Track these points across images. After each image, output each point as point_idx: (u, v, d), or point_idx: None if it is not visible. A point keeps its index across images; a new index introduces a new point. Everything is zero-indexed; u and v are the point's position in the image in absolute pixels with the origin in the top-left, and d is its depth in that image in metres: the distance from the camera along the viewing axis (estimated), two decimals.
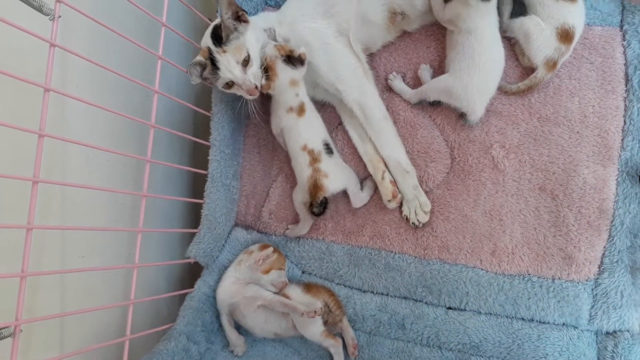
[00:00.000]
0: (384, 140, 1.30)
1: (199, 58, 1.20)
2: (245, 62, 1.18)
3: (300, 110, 1.29)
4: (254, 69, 1.20)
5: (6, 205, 0.93)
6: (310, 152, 1.29)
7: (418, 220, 1.29)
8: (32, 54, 0.93)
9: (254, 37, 1.20)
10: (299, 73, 1.26)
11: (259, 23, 1.26)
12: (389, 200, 1.30)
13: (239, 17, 1.17)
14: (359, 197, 1.34)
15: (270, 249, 1.29)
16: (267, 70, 1.23)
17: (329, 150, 1.31)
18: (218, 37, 1.17)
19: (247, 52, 1.17)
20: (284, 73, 1.24)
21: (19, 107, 0.94)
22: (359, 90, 1.28)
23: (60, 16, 0.90)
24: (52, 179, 1.03)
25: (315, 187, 1.28)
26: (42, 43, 0.89)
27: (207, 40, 1.20)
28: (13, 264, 0.89)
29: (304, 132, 1.30)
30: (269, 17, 1.31)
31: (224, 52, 1.17)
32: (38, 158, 0.89)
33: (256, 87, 1.20)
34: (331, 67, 1.27)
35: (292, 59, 1.24)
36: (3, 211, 0.93)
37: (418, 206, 1.29)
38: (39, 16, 0.90)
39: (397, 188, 1.30)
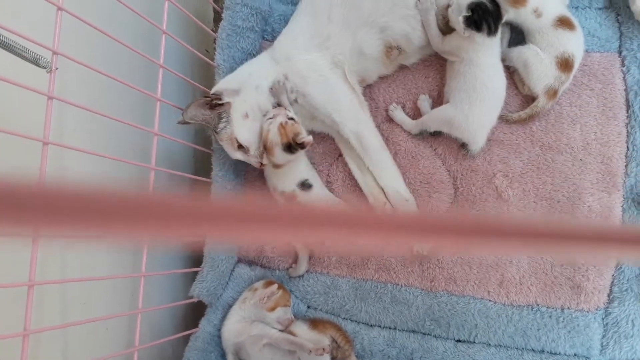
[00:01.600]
0: (381, 170, 1.29)
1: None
2: (242, 148, 1.20)
3: (278, 165, 1.27)
4: (253, 150, 1.21)
5: (6, 260, 0.91)
6: (282, 194, 1.31)
7: (422, 248, 1.28)
8: (29, 102, 0.92)
9: (241, 116, 1.20)
10: (297, 156, 1.24)
11: (250, 82, 1.25)
12: None
13: (216, 105, 1.17)
14: None
15: (275, 286, 1.27)
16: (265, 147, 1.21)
17: (305, 186, 1.30)
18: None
19: (237, 142, 1.20)
20: (282, 157, 1.21)
21: (16, 158, 0.93)
22: (355, 121, 1.28)
23: (57, 68, 0.90)
24: None
25: None
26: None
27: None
28: (14, 318, 0.87)
29: (276, 179, 1.31)
30: (261, 68, 1.28)
31: (221, 140, 1.21)
32: None
33: (261, 163, 1.22)
34: (327, 98, 1.27)
35: (292, 148, 1.18)
36: (3, 266, 0.91)
37: None
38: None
39: None
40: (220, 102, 1.16)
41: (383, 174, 1.30)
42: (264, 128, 1.20)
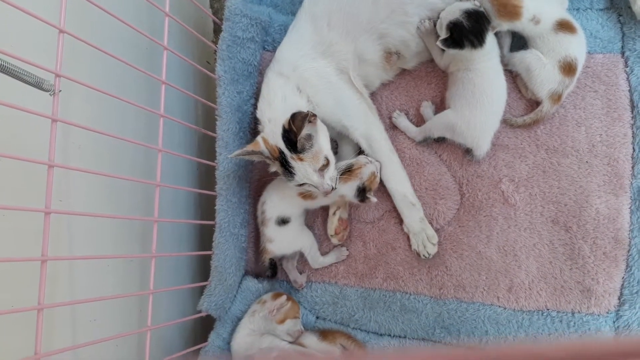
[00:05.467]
0: (390, 173, 1.29)
1: (261, 149, 1.17)
2: (323, 167, 1.15)
3: (311, 196, 1.29)
4: (331, 171, 1.17)
5: (17, 284, 0.91)
6: (262, 213, 1.33)
7: (428, 252, 1.28)
8: (34, 124, 0.92)
9: (324, 133, 1.18)
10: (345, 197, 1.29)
11: (295, 107, 1.20)
12: (332, 235, 1.34)
13: (310, 121, 1.13)
14: (317, 261, 1.36)
15: (284, 298, 1.27)
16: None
17: (281, 222, 1.32)
18: (292, 143, 1.12)
19: (325, 158, 1.15)
20: (350, 193, 1.25)
21: (22, 180, 0.93)
22: (365, 124, 1.28)
23: (60, 90, 0.89)
24: (59, 247, 1.01)
25: (262, 250, 1.34)
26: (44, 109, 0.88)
27: (277, 140, 1.15)
28: (26, 336, 0.87)
29: (269, 197, 1.34)
30: (285, 90, 1.24)
31: (301, 160, 1.14)
32: (45, 235, 0.87)
33: (332, 188, 1.17)
34: (337, 104, 1.27)
35: (362, 194, 1.24)
36: (14, 290, 0.91)
37: (425, 239, 1.28)
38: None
39: (404, 221, 1.29)
40: (315, 118, 1.14)
41: (391, 177, 1.29)
42: (358, 160, 1.25)
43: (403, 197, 1.29)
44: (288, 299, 1.28)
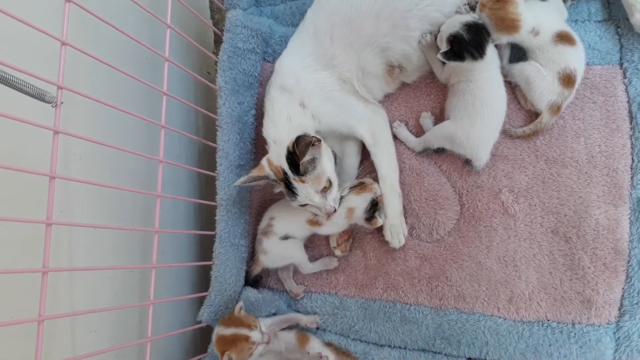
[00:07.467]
0: (386, 160, 1.29)
1: (266, 173, 1.18)
2: (325, 189, 1.16)
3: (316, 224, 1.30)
4: (334, 193, 1.18)
5: (17, 294, 0.91)
6: (269, 226, 1.33)
7: (400, 244, 1.29)
8: (35, 135, 0.93)
9: (328, 155, 1.19)
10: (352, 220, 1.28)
11: (301, 128, 1.21)
12: (334, 247, 1.35)
13: (313, 145, 1.13)
14: (306, 268, 1.36)
15: (227, 355, 1.13)
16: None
17: (284, 237, 1.32)
18: (295, 165, 1.14)
19: (327, 180, 1.16)
20: (360, 217, 1.25)
21: (23, 191, 0.93)
22: (371, 119, 1.29)
23: (62, 102, 0.90)
24: (60, 258, 1.01)
25: (255, 260, 1.34)
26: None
27: (281, 161, 1.16)
28: (25, 352, 0.87)
29: (280, 215, 1.33)
30: (289, 109, 1.24)
31: (303, 182, 1.15)
32: (47, 247, 0.87)
33: (335, 209, 1.18)
34: (341, 108, 1.28)
35: (373, 212, 1.25)
36: (14, 300, 0.91)
37: (401, 232, 1.28)
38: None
39: (385, 212, 1.28)
40: (318, 141, 1.14)
41: (385, 164, 1.29)
42: (369, 180, 1.27)
43: (391, 185, 1.28)
44: (233, 349, 1.14)
